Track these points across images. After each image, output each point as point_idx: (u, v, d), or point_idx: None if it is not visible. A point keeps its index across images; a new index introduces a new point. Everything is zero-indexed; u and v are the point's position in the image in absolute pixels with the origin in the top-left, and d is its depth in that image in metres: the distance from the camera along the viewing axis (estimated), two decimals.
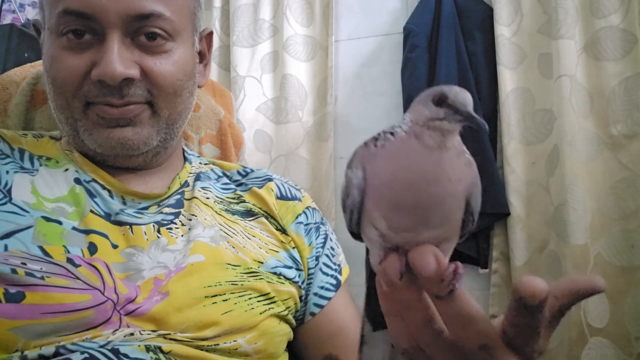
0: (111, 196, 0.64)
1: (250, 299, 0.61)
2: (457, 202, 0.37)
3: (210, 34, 0.76)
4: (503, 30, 1.64)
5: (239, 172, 0.79)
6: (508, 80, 1.61)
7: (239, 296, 0.61)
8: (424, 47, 1.73)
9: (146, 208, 0.66)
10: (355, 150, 0.40)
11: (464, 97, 0.37)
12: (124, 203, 0.65)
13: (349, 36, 1.93)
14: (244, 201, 0.74)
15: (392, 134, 0.38)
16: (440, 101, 0.37)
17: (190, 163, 0.77)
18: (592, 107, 1.53)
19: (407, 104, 1.73)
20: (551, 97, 1.56)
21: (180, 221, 0.66)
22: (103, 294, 0.54)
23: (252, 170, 0.79)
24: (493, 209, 1.57)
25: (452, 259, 0.36)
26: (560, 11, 1.54)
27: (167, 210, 0.67)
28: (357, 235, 0.41)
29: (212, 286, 0.60)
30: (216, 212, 0.70)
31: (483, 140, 1.60)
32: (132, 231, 0.61)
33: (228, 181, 0.77)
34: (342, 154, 1.85)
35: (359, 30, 1.92)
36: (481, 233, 1.61)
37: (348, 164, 0.40)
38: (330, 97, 1.83)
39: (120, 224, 0.62)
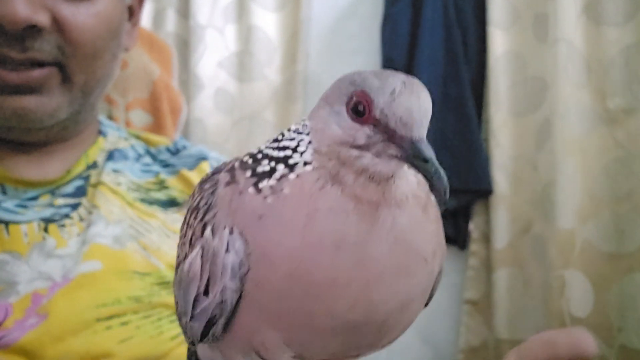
0: None
1: (159, 319, 0.49)
2: (424, 297, 0.21)
3: None
4: None
5: (168, 149, 0.65)
6: (499, 42, 1.46)
7: (144, 317, 0.48)
8: (407, 0, 1.56)
9: (34, 198, 0.52)
10: (211, 184, 0.21)
11: (408, 107, 0.19)
12: (4, 192, 0.51)
13: None
14: (167, 187, 0.61)
15: (288, 166, 0.20)
16: (361, 111, 0.19)
17: (105, 137, 0.62)
18: (589, 77, 1.39)
19: (386, 65, 1.57)
20: (545, 64, 1.42)
21: (78, 215, 0.52)
22: None
23: (185, 147, 0.65)
24: (475, 185, 1.44)
25: None
26: None
27: (61, 201, 0.53)
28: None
29: (107, 305, 0.47)
30: (128, 202, 0.56)
31: (467, 108, 1.46)
32: (7, 231, 0.48)
33: (150, 161, 0.63)
34: None
35: None
36: (461, 210, 1.48)
37: (199, 214, 0.22)
38: (301, 54, 1.65)
39: None
